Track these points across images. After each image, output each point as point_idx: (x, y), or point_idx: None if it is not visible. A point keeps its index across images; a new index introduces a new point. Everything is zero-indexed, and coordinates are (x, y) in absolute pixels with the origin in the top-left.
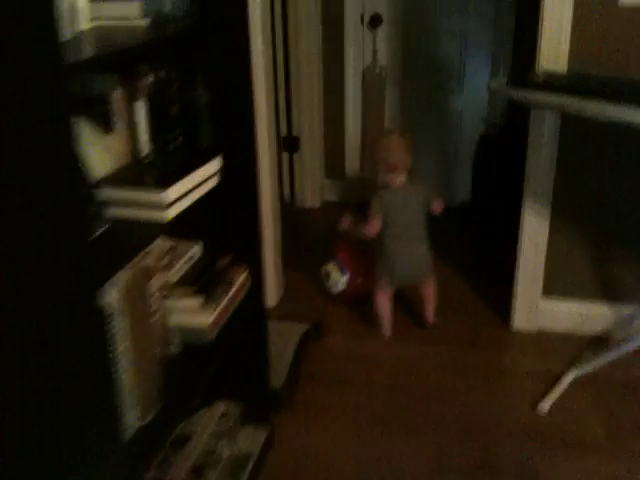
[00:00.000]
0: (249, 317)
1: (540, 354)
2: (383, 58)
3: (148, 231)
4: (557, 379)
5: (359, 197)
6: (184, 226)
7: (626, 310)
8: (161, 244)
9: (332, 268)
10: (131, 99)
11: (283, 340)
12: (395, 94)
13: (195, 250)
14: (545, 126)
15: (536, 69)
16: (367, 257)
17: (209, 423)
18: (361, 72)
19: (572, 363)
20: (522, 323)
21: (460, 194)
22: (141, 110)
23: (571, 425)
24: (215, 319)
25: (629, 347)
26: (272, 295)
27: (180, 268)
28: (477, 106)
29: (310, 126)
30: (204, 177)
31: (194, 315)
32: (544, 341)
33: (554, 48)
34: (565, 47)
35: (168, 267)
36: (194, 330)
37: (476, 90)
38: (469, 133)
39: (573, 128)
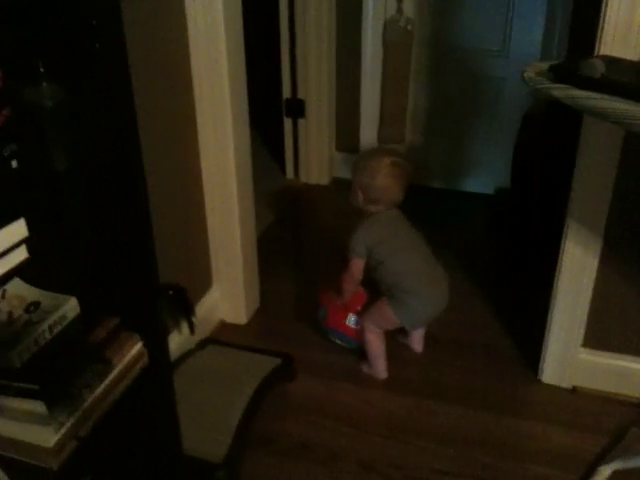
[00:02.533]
0: (144, 409)
1: (573, 424)
2: (410, 8)
3: None
4: (593, 466)
5: None
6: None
7: None
8: (16, 296)
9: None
10: None
11: (236, 385)
12: (423, 53)
13: (65, 310)
14: (603, 131)
15: (596, 52)
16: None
17: None
18: (382, 24)
19: (614, 440)
20: (554, 377)
21: (497, 179)
22: None
23: None
24: (60, 441)
25: None
26: (242, 312)
27: (32, 341)
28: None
29: (318, 88)
30: None
31: (32, 431)
32: (579, 404)
33: (622, 19)
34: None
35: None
36: (31, 452)
37: (524, 53)
38: (512, 106)
39: None
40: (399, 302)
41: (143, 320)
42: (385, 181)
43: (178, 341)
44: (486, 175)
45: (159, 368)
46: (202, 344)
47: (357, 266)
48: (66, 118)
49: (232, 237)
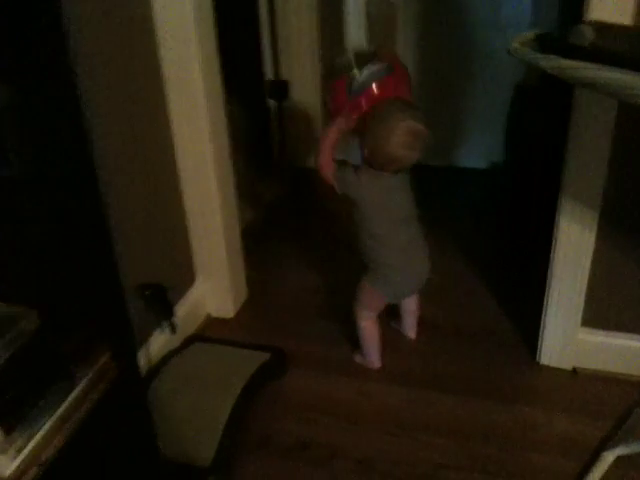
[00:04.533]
0: (115, 426)
1: (575, 408)
2: None
3: None
4: (596, 452)
5: None
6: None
7: None
8: None
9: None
10: None
11: (223, 384)
12: (410, 27)
13: (24, 324)
14: (595, 100)
15: (584, 17)
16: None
17: None
18: None
19: (617, 422)
20: (553, 359)
21: (491, 153)
22: None
23: None
24: (19, 468)
25: None
26: (229, 306)
27: None
28: None
29: (302, 68)
30: None
31: None
32: (581, 386)
33: None
34: None
35: None
36: None
37: (518, 23)
38: (505, 78)
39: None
40: (377, 274)
41: (110, 331)
42: (398, 152)
43: (162, 340)
44: (480, 149)
45: (130, 380)
46: (187, 342)
47: (329, 169)
48: (15, 121)
49: (214, 227)
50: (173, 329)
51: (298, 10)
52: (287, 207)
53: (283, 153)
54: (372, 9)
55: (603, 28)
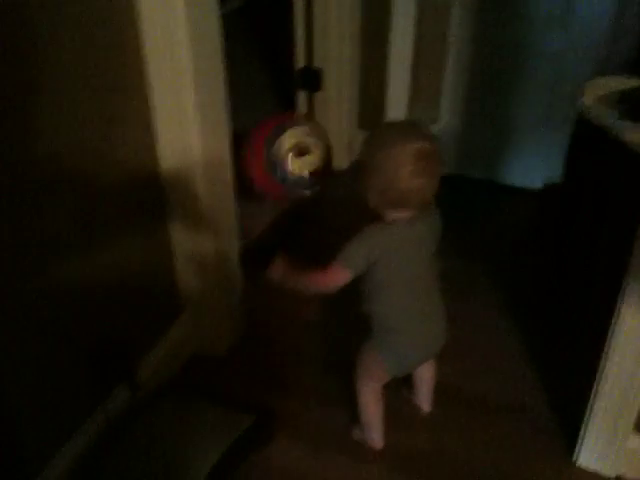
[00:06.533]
0: None
1: None
2: None
3: None
4: None
5: None
6: None
7: None
8: None
9: None
10: None
11: (195, 455)
12: (464, 20)
13: None
14: None
15: None
16: None
17: None
18: None
19: None
20: (593, 462)
21: (547, 171)
22: None
23: None
24: None
25: None
26: (221, 341)
27: None
28: (589, 46)
29: (339, 55)
30: None
31: None
32: None
33: None
34: None
35: None
36: None
37: (590, 22)
38: (572, 87)
39: None
40: (383, 341)
41: None
42: (412, 183)
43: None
44: (535, 166)
45: None
46: (162, 392)
47: (338, 276)
48: None
49: (205, 244)
50: (134, 391)
51: None
52: (308, 216)
53: None
54: None
55: None
